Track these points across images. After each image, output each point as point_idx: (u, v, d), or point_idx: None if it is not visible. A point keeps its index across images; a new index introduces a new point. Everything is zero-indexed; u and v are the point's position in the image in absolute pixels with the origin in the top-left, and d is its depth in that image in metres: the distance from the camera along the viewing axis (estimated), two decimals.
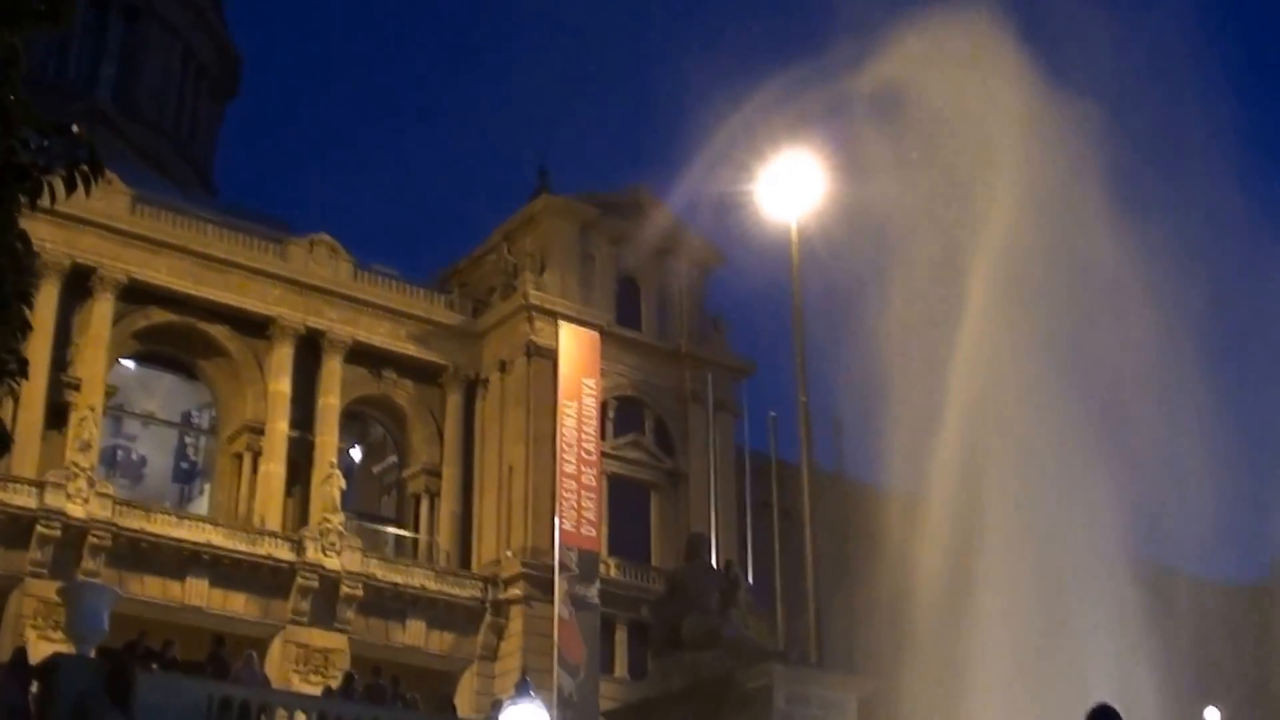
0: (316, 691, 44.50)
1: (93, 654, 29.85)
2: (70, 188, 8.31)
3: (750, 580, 53.51)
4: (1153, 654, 32.38)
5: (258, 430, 58.55)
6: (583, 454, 60.99)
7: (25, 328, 9.74)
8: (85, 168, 8.21)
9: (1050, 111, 35.99)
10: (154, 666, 32.08)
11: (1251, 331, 40.91)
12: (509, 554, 59.41)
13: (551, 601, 57.94)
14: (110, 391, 56.83)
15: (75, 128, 8.50)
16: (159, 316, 58.09)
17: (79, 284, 55.58)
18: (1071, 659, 30.91)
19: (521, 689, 21.76)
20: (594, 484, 61.02)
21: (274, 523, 56.71)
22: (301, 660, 54.42)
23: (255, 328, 59.51)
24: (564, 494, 59.72)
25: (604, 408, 63.47)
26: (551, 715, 25.02)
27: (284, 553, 55.16)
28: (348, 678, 39.31)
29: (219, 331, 59.20)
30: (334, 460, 58.56)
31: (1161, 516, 36.09)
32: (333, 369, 60.35)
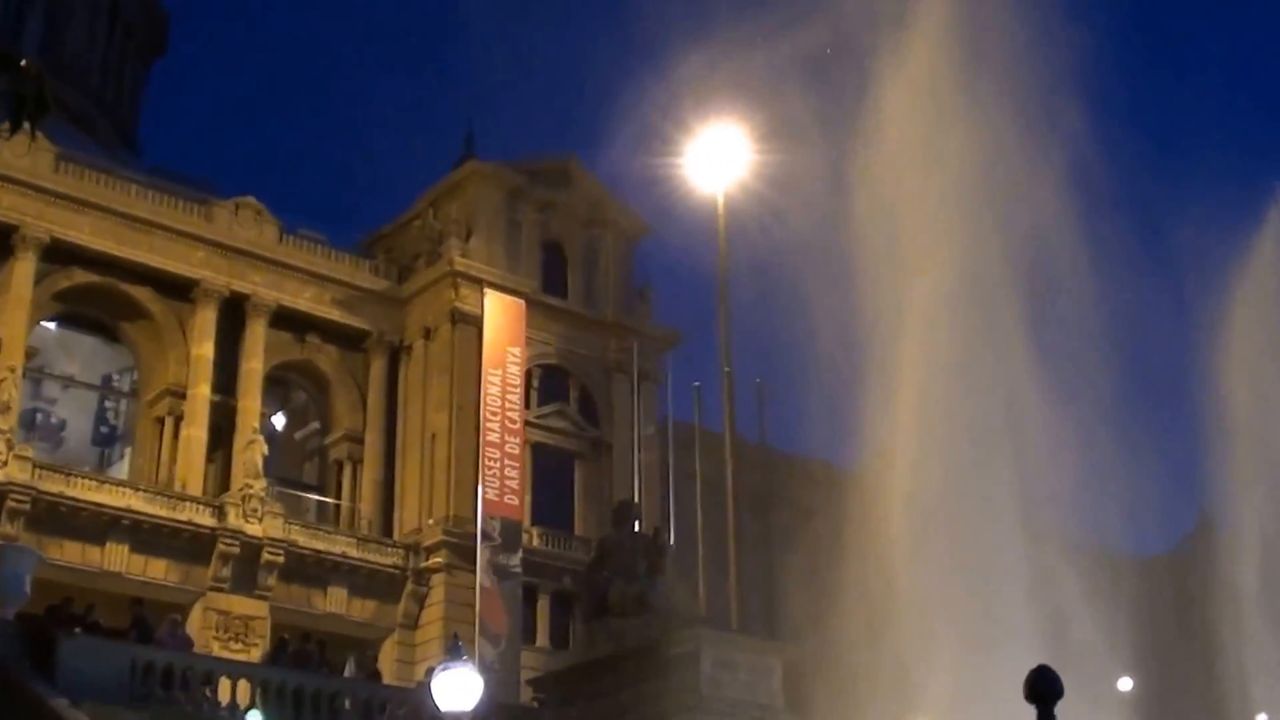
0: (236, 657, 44.24)
1: (13, 618, 29.59)
2: (16, 128, 8.17)
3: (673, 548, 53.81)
4: (1068, 625, 32.87)
5: (180, 394, 58.02)
6: (506, 422, 60.90)
7: None
8: (33, 108, 8.04)
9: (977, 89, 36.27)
10: (76, 631, 31.80)
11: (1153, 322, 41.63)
12: (431, 522, 59.29)
13: (473, 570, 57.88)
14: (30, 353, 56.17)
15: (24, 62, 8.31)
16: (81, 277, 57.37)
17: None
18: (990, 632, 31.31)
19: (453, 652, 21.65)
20: (517, 453, 60.93)
21: (195, 488, 56.26)
22: (222, 627, 54.07)
23: (178, 290, 58.92)
24: (487, 462, 59.60)
25: (528, 376, 63.38)
26: None
27: (205, 518, 54.74)
28: (280, 642, 39.17)
29: (142, 294, 58.57)
30: (256, 426, 58.09)
31: (1075, 493, 36.60)
32: (256, 333, 59.85)
